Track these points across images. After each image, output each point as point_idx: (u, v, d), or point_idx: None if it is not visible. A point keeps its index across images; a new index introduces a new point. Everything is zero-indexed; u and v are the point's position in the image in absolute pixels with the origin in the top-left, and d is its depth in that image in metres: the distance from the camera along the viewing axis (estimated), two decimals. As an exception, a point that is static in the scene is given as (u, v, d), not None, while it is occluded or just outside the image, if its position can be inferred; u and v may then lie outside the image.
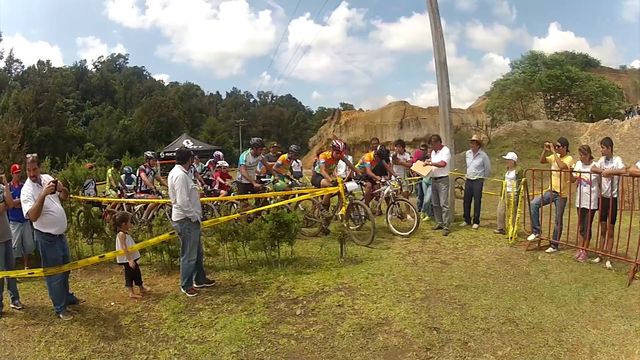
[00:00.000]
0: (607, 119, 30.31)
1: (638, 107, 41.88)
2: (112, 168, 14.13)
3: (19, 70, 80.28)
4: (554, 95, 44.68)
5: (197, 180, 12.20)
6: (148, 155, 12.39)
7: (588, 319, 5.70)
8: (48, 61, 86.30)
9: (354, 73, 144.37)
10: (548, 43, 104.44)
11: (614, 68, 62.78)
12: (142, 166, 11.94)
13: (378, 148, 11.28)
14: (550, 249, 8.74)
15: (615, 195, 7.77)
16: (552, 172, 8.88)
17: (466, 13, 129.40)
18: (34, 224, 6.23)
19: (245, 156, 11.36)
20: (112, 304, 6.69)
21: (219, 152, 15.08)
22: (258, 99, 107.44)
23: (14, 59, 79.55)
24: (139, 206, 11.20)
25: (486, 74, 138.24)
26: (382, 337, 5.32)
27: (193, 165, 13.61)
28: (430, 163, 10.74)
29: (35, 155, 6.51)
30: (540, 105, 46.12)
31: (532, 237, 9.17)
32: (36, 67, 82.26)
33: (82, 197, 10.18)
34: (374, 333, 5.40)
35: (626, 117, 35.28)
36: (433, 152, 11.27)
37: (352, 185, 10.26)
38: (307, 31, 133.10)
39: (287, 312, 6.12)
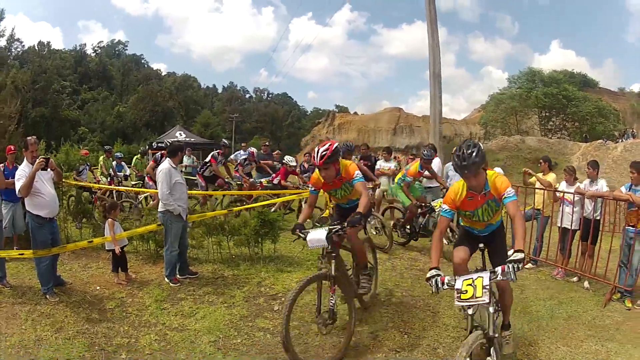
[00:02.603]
0: (601, 140, 30.63)
1: (632, 131, 42.25)
2: (103, 155, 14.19)
3: (19, 49, 79.72)
4: (549, 113, 45.11)
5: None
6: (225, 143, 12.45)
7: (559, 335, 5.77)
8: (48, 42, 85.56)
9: (352, 76, 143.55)
10: (549, 60, 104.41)
11: (613, 90, 63.07)
12: (158, 155, 11.79)
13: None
14: (529, 265, 8.82)
15: (597, 217, 7.90)
16: (536, 189, 9.01)
17: (468, 25, 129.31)
18: (26, 205, 6.39)
19: None
20: (98, 288, 6.86)
21: (253, 149, 14.43)
22: (254, 95, 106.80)
23: (15, 38, 79.07)
24: (143, 196, 11.21)
25: (484, 87, 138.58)
26: (355, 337, 5.40)
27: (192, 157, 13.66)
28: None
29: (35, 137, 6.69)
30: (535, 122, 46.49)
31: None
32: (36, 48, 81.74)
33: (73, 182, 10.27)
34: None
35: (620, 140, 35.62)
36: None
37: None
38: (308, 31, 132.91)
39: (266, 307, 6.28)
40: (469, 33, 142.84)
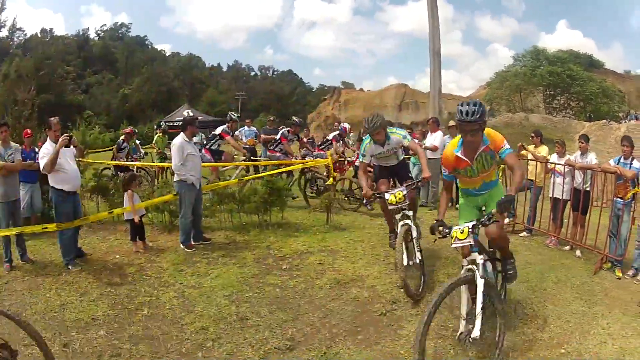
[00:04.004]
0: (605, 120, 30.77)
1: (636, 113, 42.24)
2: (159, 134, 14.42)
3: (21, 38, 79.25)
4: (553, 92, 45.05)
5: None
6: (233, 116, 11.41)
7: (547, 296, 6.09)
8: (51, 29, 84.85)
9: (358, 52, 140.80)
10: (555, 40, 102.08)
11: (618, 72, 62.44)
12: (225, 127, 10.89)
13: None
14: (524, 233, 9.17)
15: (587, 189, 8.22)
16: (529, 161, 9.32)
17: (475, 2, 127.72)
18: (49, 180, 6.73)
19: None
20: (117, 256, 7.26)
21: (346, 124, 14.09)
22: (259, 73, 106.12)
23: (17, 27, 78.66)
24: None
25: (490, 64, 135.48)
26: (355, 290, 5.96)
27: (201, 135, 13.65)
28: (423, 146, 11.23)
29: (57, 118, 7.04)
30: (540, 100, 46.47)
31: (506, 220, 9.62)
32: (39, 35, 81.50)
33: (89, 160, 10.67)
34: (348, 287, 6.01)
35: (623, 121, 35.73)
36: (429, 133, 11.81)
37: None
38: (313, 7, 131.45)
39: (275, 267, 6.77)
40: (476, 10, 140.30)
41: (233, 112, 11.51)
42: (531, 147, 9.62)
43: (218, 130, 10.82)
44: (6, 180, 6.88)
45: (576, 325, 5.36)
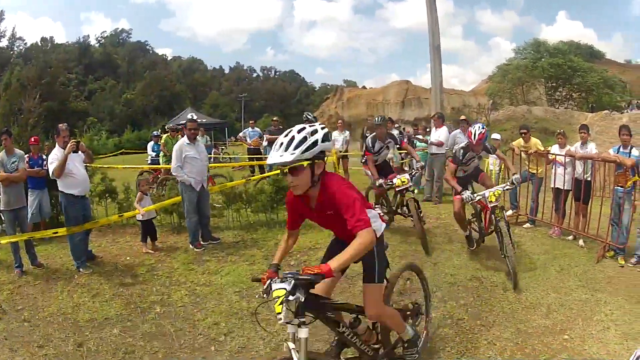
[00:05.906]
0: (606, 111, 30.73)
1: (638, 102, 42.12)
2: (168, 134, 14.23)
3: (21, 47, 79.43)
4: (555, 84, 44.89)
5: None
6: (309, 116, 11.52)
7: (550, 285, 6.26)
8: (51, 37, 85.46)
9: (360, 50, 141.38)
10: (556, 31, 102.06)
11: (619, 62, 62.00)
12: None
13: None
14: (527, 225, 9.20)
15: (588, 178, 8.27)
16: (529, 154, 9.38)
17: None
18: (58, 185, 6.87)
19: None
20: (128, 258, 7.43)
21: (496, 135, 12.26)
22: (261, 74, 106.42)
23: (17, 36, 78.88)
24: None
25: (493, 58, 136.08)
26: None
27: (206, 137, 13.59)
28: (429, 142, 11.45)
29: (66, 124, 7.24)
30: (542, 92, 46.33)
31: (509, 212, 9.67)
32: (39, 44, 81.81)
33: (97, 165, 10.77)
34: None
35: (625, 111, 35.63)
36: (433, 129, 11.93)
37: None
38: (313, 6, 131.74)
39: (283, 263, 6.77)
40: (476, 5, 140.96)
41: (309, 113, 11.61)
42: (517, 142, 9.82)
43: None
44: (10, 189, 6.98)
45: (579, 312, 5.49)
